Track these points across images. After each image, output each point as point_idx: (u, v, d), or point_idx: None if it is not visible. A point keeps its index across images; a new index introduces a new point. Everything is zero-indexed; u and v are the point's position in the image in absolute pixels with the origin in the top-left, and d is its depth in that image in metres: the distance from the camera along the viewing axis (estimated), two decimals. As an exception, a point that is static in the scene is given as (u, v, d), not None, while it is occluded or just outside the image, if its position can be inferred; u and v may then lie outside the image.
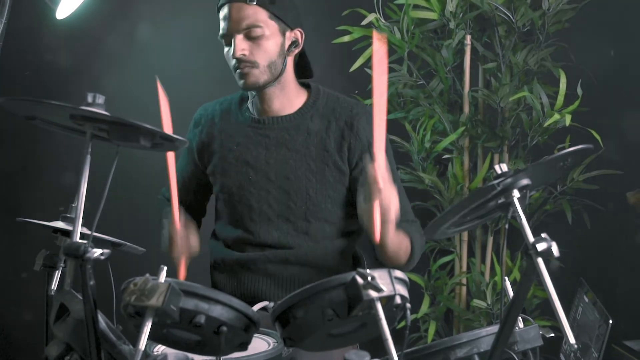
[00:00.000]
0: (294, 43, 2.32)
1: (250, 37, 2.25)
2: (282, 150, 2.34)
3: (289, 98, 2.35)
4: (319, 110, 2.35)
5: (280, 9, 2.27)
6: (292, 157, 2.33)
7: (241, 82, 2.28)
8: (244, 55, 2.25)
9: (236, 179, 2.37)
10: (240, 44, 2.24)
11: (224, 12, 2.26)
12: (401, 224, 2.04)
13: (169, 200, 2.54)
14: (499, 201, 1.66)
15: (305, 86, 2.40)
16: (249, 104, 2.41)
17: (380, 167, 1.93)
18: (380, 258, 2.24)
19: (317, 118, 2.34)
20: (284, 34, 2.29)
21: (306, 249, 2.33)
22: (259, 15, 2.25)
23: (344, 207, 2.36)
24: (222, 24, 2.27)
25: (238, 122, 2.40)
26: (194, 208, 2.54)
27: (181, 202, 2.52)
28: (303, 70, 2.41)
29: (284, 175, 2.33)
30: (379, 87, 1.83)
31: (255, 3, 2.25)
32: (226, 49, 2.29)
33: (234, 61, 2.26)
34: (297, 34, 2.32)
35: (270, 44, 2.27)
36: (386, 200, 1.96)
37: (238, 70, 2.27)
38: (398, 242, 2.18)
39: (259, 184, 2.35)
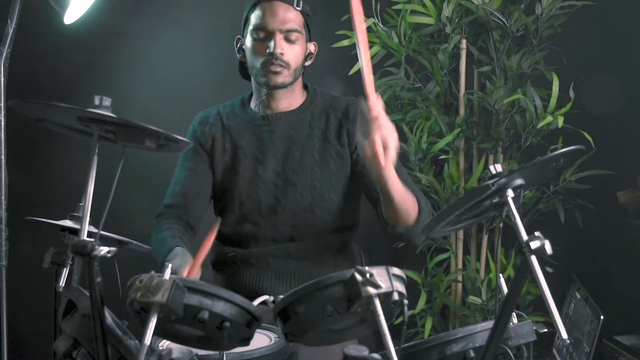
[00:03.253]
0: (310, 54, 2.42)
1: (288, 40, 2.32)
2: (288, 144, 2.39)
3: (294, 98, 2.42)
4: (318, 107, 2.43)
5: (311, 20, 2.39)
6: (298, 150, 2.39)
7: (269, 78, 2.33)
8: (281, 54, 2.31)
9: (246, 175, 2.40)
10: (281, 43, 2.31)
11: (267, 7, 2.31)
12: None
13: (166, 207, 2.49)
14: (494, 200, 1.66)
15: (304, 87, 2.48)
16: (253, 104, 2.45)
17: (375, 103, 1.90)
18: (387, 213, 2.20)
19: (317, 112, 2.42)
20: (307, 44, 2.39)
21: (307, 242, 2.37)
22: (299, 20, 2.35)
23: (344, 197, 2.39)
24: (261, 18, 2.32)
25: (244, 121, 2.45)
26: (192, 214, 2.44)
27: (179, 207, 2.46)
28: None
29: (291, 168, 2.38)
30: (359, 24, 1.85)
31: (300, 9, 2.35)
32: (256, 43, 2.33)
33: (264, 57, 2.31)
34: (313, 46, 2.42)
35: (300, 50, 2.35)
36: (385, 134, 1.90)
37: (270, 67, 2.32)
38: (403, 192, 2.13)
39: (267, 179, 2.39)
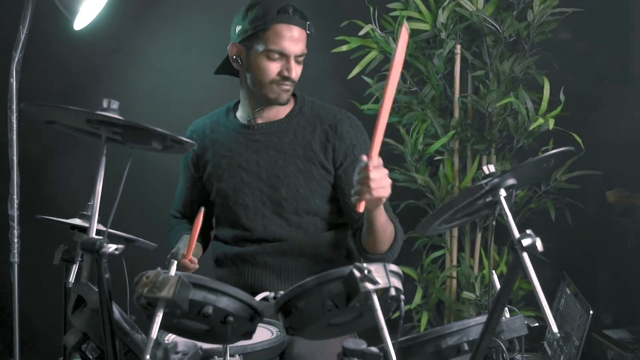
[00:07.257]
0: None
1: (297, 62, 2.30)
2: (271, 152, 2.37)
3: (282, 107, 2.39)
4: (305, 116, 2.39)
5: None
6: (281, 158, 2.36)
7: (280, 96, 2.32)
8: (295, 77, 2.30)
9: (230, 182, 2.39)
10: (296, 67, 2.30)
11: (286, 30, 2.26)
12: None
13: (175, 217, 2.57)
14: (487, 200, 1.66)
15: (292, 95, 2.42)
16: (237, 113, 2.44)
17: (374, 164, 1.90)
18: (367, 242, 2.24)
19: (303, 122, 2.38)
20: None
21: (300, 241, 2.36)
22: (306, 43, 2.32)
23: (331, 202, 2.39)
24: (279, 42, 2.25)
25: (228, 130, 2.43)
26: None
27: (189, 216, 2.55)
28: None
29: (274, 174, 2.36)
30: (392, 84, 1.79)
31: (309, 33, 2.31)
32: (270, 62, 2.28)
33: (278, 77, 2.28)
34: None
35: (302, 67, 2.34)
36: (376, 186, 1.92)
37: (282, 86, 2.30)
38: (387, 223, 2.19)
39: (252, 185, 2.37)
